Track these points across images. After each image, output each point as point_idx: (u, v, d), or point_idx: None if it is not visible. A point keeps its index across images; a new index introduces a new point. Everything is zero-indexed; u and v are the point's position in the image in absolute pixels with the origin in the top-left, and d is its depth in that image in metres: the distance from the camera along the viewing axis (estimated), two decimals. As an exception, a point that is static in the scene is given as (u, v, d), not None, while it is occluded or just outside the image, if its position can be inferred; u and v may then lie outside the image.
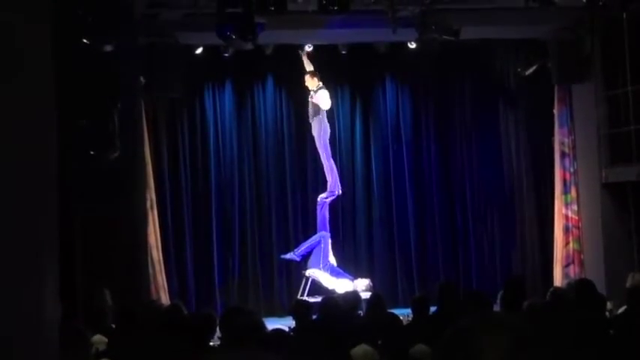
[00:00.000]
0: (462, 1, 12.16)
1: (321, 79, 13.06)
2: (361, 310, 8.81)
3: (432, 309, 7.77)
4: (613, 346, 5.80)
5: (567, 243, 13.25)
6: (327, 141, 13.09)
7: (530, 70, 13.47)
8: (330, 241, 13.00)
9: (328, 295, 10.70)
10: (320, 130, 13.01)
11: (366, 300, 9.01)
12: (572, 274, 12.85)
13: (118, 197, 10.98)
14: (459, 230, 14.64)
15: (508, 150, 14.62)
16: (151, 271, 12.23)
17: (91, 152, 10.37)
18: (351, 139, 14.63)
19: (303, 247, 13.01)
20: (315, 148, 13.25)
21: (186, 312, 7.05)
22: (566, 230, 13.28)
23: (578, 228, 13.26)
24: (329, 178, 13.06)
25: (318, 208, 13.12)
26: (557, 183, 13.47)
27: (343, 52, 13.62)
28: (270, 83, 14.46)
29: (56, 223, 3.48)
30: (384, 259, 14.48)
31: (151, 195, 12.65)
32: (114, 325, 7.41)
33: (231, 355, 2.22)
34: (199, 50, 13.02)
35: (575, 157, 13.35)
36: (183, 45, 12.34)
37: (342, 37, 13.10)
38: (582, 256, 13.17)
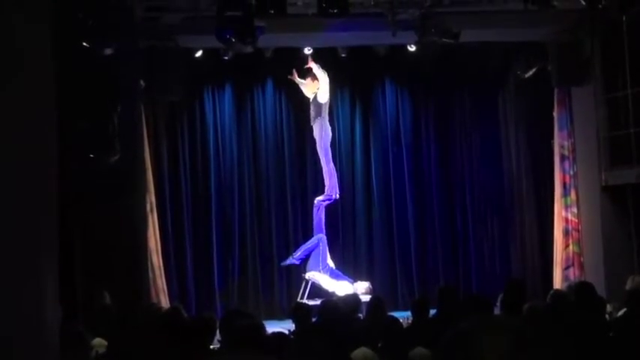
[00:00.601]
0: (461, 4, 12.17)
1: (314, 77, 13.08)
2: (361, 312, 8.81)
3: (432, 312, 7.77)
4: (613, 349, 5.80)
5: (567, 245, 13.25)
6: (328, 144, 13.10)
7: (530, 73, 13.47)
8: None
9: (328, 297, 10.70)
10: (321, 133, 13.01)
11: (366, 303, 9.01)
12: (572, 277, 12.85)
13: (118, 200, 10.98)
14: (459, 233, 14.64)
15: (508, 153, 14.63)
16: (150, 274, 12.22)
17: (91, 155, 10.37)
18: (351, 141, 14.63)
19: (302, 250, 13.02)
20: (315, 151, 13.25)
21: (186, 315, 7.04)
22: (566, 233, 13.28)
23: (578, 230, 13.26)
24: (327, 181, 13.07)
25: (315, 210, 13.13)
26: (557, 186, 13.47)
27: (343, 55, 13.61)
28: (269, 86, 14.47)
29: (56, 225, 3.48)
30: (384, 262, 14.48)
31: (151, 198, 12.65)
32: (114, 328, 7.39)
33: (231, 357, 2.23)
34: (199, 53, 13.02)
35: (574, 160, 13.36)
36: (183, 48, 12.35)
37: (342, 40, 13.10)
38: (582, 259, 13.17)
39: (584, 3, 10.76)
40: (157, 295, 12.36)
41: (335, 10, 10.63)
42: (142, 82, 12.04)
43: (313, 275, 12.77)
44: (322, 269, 12.76)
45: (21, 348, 3.19)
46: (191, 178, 14.08)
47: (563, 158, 13.43)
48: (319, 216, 13.07)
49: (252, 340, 5.17)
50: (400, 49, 13.26)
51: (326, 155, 13.07)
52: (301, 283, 12.93)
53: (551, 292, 8.20)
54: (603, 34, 12.73)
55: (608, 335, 6.16)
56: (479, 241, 14.55)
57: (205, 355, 5.76)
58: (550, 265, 13.56)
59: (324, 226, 13.07)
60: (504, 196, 14.57)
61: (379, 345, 6.71)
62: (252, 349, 4.98)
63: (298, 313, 7.65)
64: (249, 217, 14.20)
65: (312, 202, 13.34)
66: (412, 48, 12.95)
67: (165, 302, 12.15)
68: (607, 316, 7.83)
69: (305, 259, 12.94)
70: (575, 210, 13.29)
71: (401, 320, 7.91)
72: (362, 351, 6.08)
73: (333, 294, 12.16)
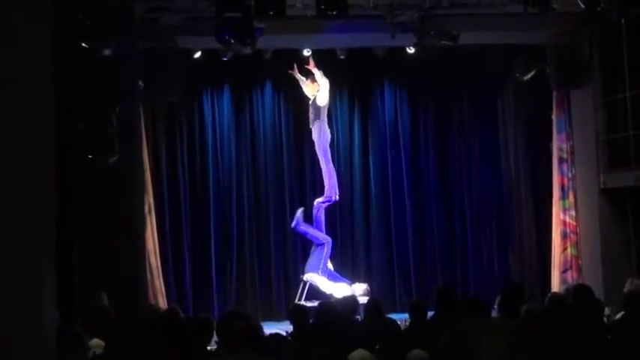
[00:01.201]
0: (460, 7, 12.17)
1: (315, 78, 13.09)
2: (359, 314, 8.81)
3: (430, 314, 7.77)
4: (611, 352, 5.80)
5: (565, 248, 13.25)
6: (327, 146, 13.09)
7: (529, 76, 13.47)
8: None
9: (326, 299, 10.70)
10: (320, 135, 13.01)
11: (363, 304, 9.00)
12: (569, 280, 12.85)
13: (117, 201, 10.98)
14: (457, 235, 14.64)
15: (506, 155, 14.63)
16: (148, 275, 12.21)
17: (90, 156, 10.37)
18: (350, 143, 14.63)
19: (311, 230, 12.99)
20: (314, 153, 13.25)
21: (183, 316, 7.04)
22: (564, 236, 13.28)
23: (576, 233, 13.26)
24: (327, 182, 13.06)
25: (314, 211, 13.12)
26: (556, 188, 13.47)
27: (342, 57, 13.60)
28: (268, 88, 14.48)
29: (54, 226, 3.48)
30: (382, 264, 14.48)
31: (149, 199, 12.65)
32: (111, 329, 7.38)
33: (229, 358, 2.23)
34: (198, 54, 13.01)
35: (573, 163, 13.36)
36: (182, 49, 12.34)
37: (341, 41, 13.10)
38: (580, 262, 13.17)
39: (583, 6, 10.76)
40: (155, 297, 12.35)
41: (334, 12, 10.63)
42: (140, 83, 12.04)
43: (311, 277, 12.77)
44: (321, 271, 12.76)
45: (18, 348, 3.19)
46: (189, 179, 14.08)
47: (561, 161, 13.43)
48: (319, 217, 13.06)
49: (250, 341, 5.16)
50: (399, 51, 13.25)
51: (325, 156, 13.06)
52: (299, 285, 12.93)
53: (549, 294, 8.20)
54: (602, 37, 12.72)
55: (606, 338, 6.16)
56: (477, 243, 14.55)
57: (203, 357, 5.76)
58: (548, 267, 13.56)
59: (323, 228, 13.07)
60: (503, 198, 14.58)
61: (377, 347, 6.71)
62: (249, 351, 4.98)
63: (296, 315, 7.65)
64: (248, 219, 14.20)
65: (311, 204, 13.33)
66: (411, 50, 12.94)
67: (163, 303, 12.15)
68: (605, 318, 7.83)
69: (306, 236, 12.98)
70: (573, 213, 13.29)
71: (399, 322, 7.92)
72: (360, 353, 6.08)
73: (331, 296, 12.16)
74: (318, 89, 12.98)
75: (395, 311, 12.52)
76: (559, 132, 13.47)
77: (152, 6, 11.70)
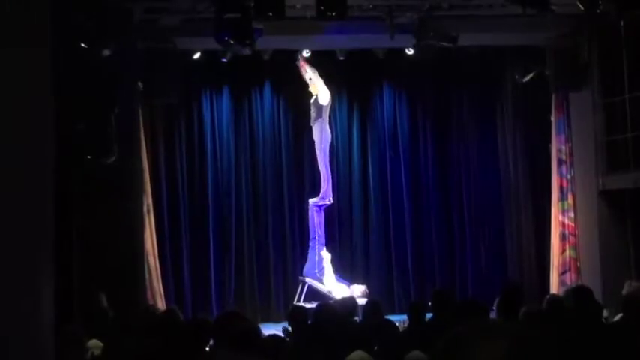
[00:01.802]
0: (459, 8, 12.18)
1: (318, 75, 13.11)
2: (357, 315, 8.81)
3: (429, 315, 7.77)
4: (609, 354, 5.80)
5: (564, 250, 13.24)
6: (327, 147, 13.10)
7: (528, 78, 13.48)
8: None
9: (324, 300, 10.70)
10: (321, 135, 13.02)
11: (362, 306, 9.01)
12: (568, 282, 12.84)
13: (115, 202, 10.98)
14: (456, 236, 14.64)
15: (505, 157, 14.63)
16: (147, 276, 12.21)
17: (89, 157, 10.37)
18: (349, 145, 14.63)
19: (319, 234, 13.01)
20: (313, 153, 13.27)
21: (182, 317, 7.04)
22: (563, 237, 13.28)
23: (575, 235, 13.25)
24: (323, 185, 13.06)
25: (310, 212, 13.14)
26: (554, 190, 13.47)
27: (341, 58, 13.62)
28: (267, 89, 14.48)
29: (52, 227, 3.48)
30: (381, 265, 14.48)
31: (148, 200, 12.64)
32: (110, 330, 7.39)
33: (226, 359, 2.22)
34: (197, 55, 13.02)
35: (572, 165, 13.35)
36: (181, 50, 12.35)
37: (340, 43, 13.10)
38: (578, 264, 13.17)
39: (582, 8, 10.76)
40: (154, 297, 12.34)
41: (333, 13, 10.63)
42: (140, 84, 12.04)
43: (309, 279, 12.77)
44: (318, 273, 12.76)
45: (17, 348, 3.19)
46: (188, 180, 14.08)
47: (560, 163, 13.43)
48: (317, 219, 13.05)
49: (247, 342, 5.16)
50: (398, 52, 13.27)
51: (324, 159, 13.07)
52: (297, 286, 12.93)
53: (548, 296, 8.19)
54: (601, 39, 12.73)
55: (605, 340, 6.15)
56: (476, 244, 14.55)
57: (201, 357, 5.76)
58: (547, 269, 13.55)
59: (322, 230, 13.05)
60: (501, 200, 14.57)
61: (375, 348, 6.71)
62: (247, 351, 4.98)
63: (294, 316, 7.64)
64: (246, 220, 14.20)
65: (309, 204, 13.34)
66: (410, 51, 12.96)
67: (161, 304, 12.14)
68: (603, 320, 7.82)
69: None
70: (572, 214, 13.28)
71: (397, 323, 7.92)
72: (358, 354, 6.08)
73: (329, 297, 12.17)
74: (318, 89, 13.00)
75: (393, 312, 12.53)
76: (558, 134, 13.47)
77: (151, 7, 11.71)
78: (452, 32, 11.92)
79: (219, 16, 10.58)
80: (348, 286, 12.75)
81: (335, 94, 14.38)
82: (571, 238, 13.25)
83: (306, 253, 13.33)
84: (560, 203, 13.38)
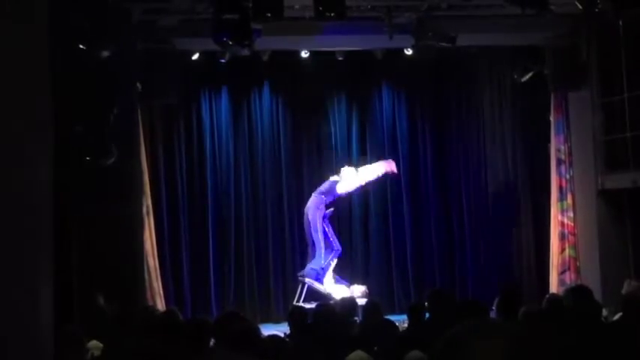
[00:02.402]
0: (458, 8, 12.18)
1: None
2: (357, 316, 8.80)
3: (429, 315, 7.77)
4: (609, 353, 5.80)
5: (563, 250, 13.24)
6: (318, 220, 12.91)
7: (527, 77, 13.48)
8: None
9: (324, 301, 10.69)
10: (315, 212, 12.86)
11: (362, 306, 9.00)
12: (567, 281, 12.84)
13: (115, 203, 10.97)
14: (456, 237, 14.64)
15: (504, 157, 14.63)
16: (146, 277, 12.20)
17: (87, 158, 10.37)
18: (347, 145, 14.62)
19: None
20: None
21: (181, 318, 7.04)
22: (562, 237, 13.28)
23: (574, 235, 13.25)
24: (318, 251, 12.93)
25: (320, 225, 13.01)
26: (554, 190, 13.47)
27: (340, 59, 13.62)
28: (266, 89, 14.47)
29: (51, 227, 3.48)
30: (380, 266, 14.48)
31: (147, 201, 12.64)
32: (109, 331, 7.39)
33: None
34: (196, 56, 13.01)
35: (571, 164, 13.35)
36: (179, 51, 12.34)
37: (339, 43, 13.10)
38: (578, 263, 13.17)
39: (580, 7, 10.77)
40: (153, 298, 12.34)
41: (332, 14, 10.63)
42: (138, 85, 12.04)
43: (309, 280, 12.76)
44: (320, 276, 12.74)
45: (15, 349, 3.19)
46: (187, 181, 14.07)
47: (559, 162, 13.43)
48: (330, 230, 12.97)
49: (247, 342, 5.16)
50: (397, 52, 13.28)
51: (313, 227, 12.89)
52: (297, 287, 12.92)
53: (547, 296, 8.19)
54: (600, 38, 12.74)
55: (604, 339, 6.15)
56: (475, 245, 14.55)
57: (201, 358, 5.76)
58: (546, 269, 13.55)
59: (336, 241, 12.98)
60: (501, 200, 14.57)
61: (375, 348, 6.71)
62: (246, 352, 4.98)
63: (294, 317, 7.64)
64: (246, 220, 14.20)
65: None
66: (409, 52, 12.96)
67: (161, 305, 12.14)
68: (603, 320, 7.82)
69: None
70: (571, 214, 13.28)
71: (397, 324, 7.92)
72: (358, 354, 6.07)
73: (329, 297, 12.16)
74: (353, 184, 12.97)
75: (393, 313, 12.52)
76: (557, 133, 13.47)
77: (150, 8, 11.71)
78: (450, 32, 11.93)
79: (217, 17, 10.58)
80: (348, 286, 12.74)
81: (334, 95, 14.41)
82: (570, 238, 13.25)
83: (306, 254, 13.32)
84: (559, 203, 13.38)
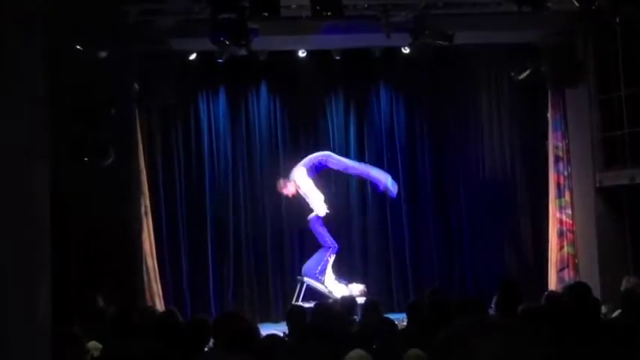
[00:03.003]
0: (455, 6, 12.18)
1: None
2: (356, 314, 8.81)
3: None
4: (607, 350, 5.80)
5: (562, 247, 13.25)
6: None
7: (524, 75, 13.47)
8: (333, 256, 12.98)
9: (323, 300, 10.70)
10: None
11: (361, 305, 9.01)
12: (566, 278, 12.85)
13: (113, 204, 10.97)
14: (454, 234, 14.65)
15: (502, 154, 14.64)
16: (145, 277, 12.21)
17: (85, 158, 10.37)
18: (345, 144, 14.63)
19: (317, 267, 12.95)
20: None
21: (180, 318, 7.04)
22: (561, 234, 13.28)
23: (573, 232, 13.26)
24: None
25: (313, 225, 13.04)
26: (552, 187, 13.47)
27: (337, 58, 13.62)
28: (264, 89, 14.48)
29: (49, 229, 3.48)
30: (379, 264, 14.48)
31: (146, 201, 12.63)
32: (108, 332, 7.39)
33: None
34: (193, 56, 13.01)
35: (569, 161, 13.36)
36: (177, 51, 12.34)
37: (336, 42, 13.10)
38: (576, 260, 13.18)
39: (577, 5, 10.77)
40: (152, 299, 12.34)
41: (329, 13, 10.62)
42: (136, 86, 12.04)
43: (308, 279, 12.76)
44: (319, 274, 12.75)
45: (14, 350, 3.19)
46: (185, 181, 14.07)
47: (557, 159, 13.43)
48: (316, 229, 12.99)
49: (246, 342, 5.16)
50: (394, 51, 13.28)
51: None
52: (296, 286, 12.92)
53: (546, 293, 8.21)
54: (597, 35, 12.75)
55: (603, 336, 6.15)
56: (473, 242, 14.55)
57: (200, 358, 5.76)
58: (545, 266, 13.56)
59: (330, 239, 13.00)
60: (499, 197, 14.58)
61: (374, 347, 6.71)
62: (246, 351, 4.98)
63: (293, 316, 7.64)
64: (244, 220, 14.20)
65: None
66: (406, 50, 12.97)
67: (160, 305, 12.14)
68: (601, 317, 7.83)
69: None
70: (569, 211, 13.29)
71: (396, 322, 7.92)
72: (357, 353, 6.07)
73: (328, 296, 12.16)
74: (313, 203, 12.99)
75: (392, 311, 12.52)
76: (554, 131, 13.47)
77: (146, 9, 11.69)
78: (448, 30, 11.92)
79: (214, 17, 10.57)
80: (346, 285, 12.74)
81: (331, 94, 14.42)
82: (569, 235, 13.26)
83: (305, 253, 13.32)
84: (557, 200, 13.38)
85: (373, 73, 14.57)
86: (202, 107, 14.28)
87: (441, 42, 11.96)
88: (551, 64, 12.93)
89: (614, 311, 8.25)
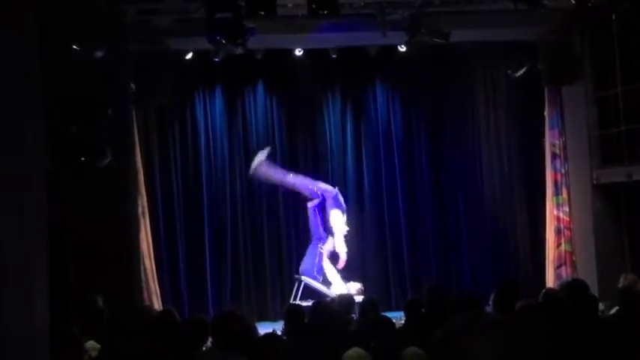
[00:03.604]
0: (451, 4, 12.18)
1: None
2: (354, 313, 8.81)
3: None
4: (605, 347, 5.81)
5: (559, 244, 13.26)
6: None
7: (521, 72, 13.49)
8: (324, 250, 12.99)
9: (321, 298, 10.70)
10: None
11: (359, 303, 9.01)
12: (564, 275, 12.86)
13: (110, 204, 10.96)
14: (451, 232, 14.64)
15: (499, 152, 14.64)
16: (143, 277, 12.20)
17: (82, 159, 10.35)
18: (342, 143, 14.62)
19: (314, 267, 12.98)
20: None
21: (178, 318, 7.03)
22: (558, 232, 13.29)
23: (570, 229, 13.27)
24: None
25: (309, 213, 13.09)
26: (549, 184, 13.48)
27: (334, 56, 13.61)
28: (260, 88, 14.47)
29: (46, 229, 3.47)
30: (377, 262, 14.47)
31: (143, 201, 12.62)
32: (106, 332, 7.38)
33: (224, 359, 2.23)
34: (189, 55, 13.00)
35: (566, 159, 13.37)
36: (173, 50, 12.33)
37: (333, 40, 13.10)
38: (574, 258, 13.18)
39: (573, 2, 10.78)
40: (150, 298, 12.33)
41: (325, 11, 10.63)
42: (132, 85, 12.03)
43: (306, 278, 12.76)
44: (317, 273, 12.75)
45: (11, 350, 3.19)
46: (183, 180, 14.06)
47: (554, 157, 13.44)
48: (318, 219, 13.01)
49: (244, 341, 5.17)
50: (391, 49, 13.28)
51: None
52: (294, 285, 12.92)
53: (544, 290, 8.21)
54: (593, 32, 12.75)
55: (601, 333, 6.16)
56: (471, 240, 14.55)
57: (198, 358, 5.76)
58: (542, 263, 13.57)
59: (321, 230, 13.03)
60: (496, 195, 14.59)
61: (372, 345, 6.71)
62: (243, 351, 4.98)
63: (291, 314, 7.64)
64: (241, 219, 14.19)
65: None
66: (403, 48, 12.97)
67: (157, 305, 12.14)
68: (599, 314, 7.84)
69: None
70: (566, 209, 13.30)
71: (394, 320, 7.92)
72: (355, 351, 6.07)
73: (326, 295, 12.16)
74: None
75: (390, 309, 12.51)
76: (551, 128, 13.48)
77: (143, 8, 11.69)
78: (444, 28, 11.93)
79: (211, 16, 10.57)
80: (344, 283, 12.74)
81: (328, 92, 14.42)
82: (566, 232, 13.27)
83: (303, 252, 13.32)
84: (554, 197, 13.39)
85: (370, 72, 14.56)
86: (199, 106, 14.26)
87: (437, 40, 11.97)
88: (548, 61, 12.93)
89: (611, 308, 8.26)
